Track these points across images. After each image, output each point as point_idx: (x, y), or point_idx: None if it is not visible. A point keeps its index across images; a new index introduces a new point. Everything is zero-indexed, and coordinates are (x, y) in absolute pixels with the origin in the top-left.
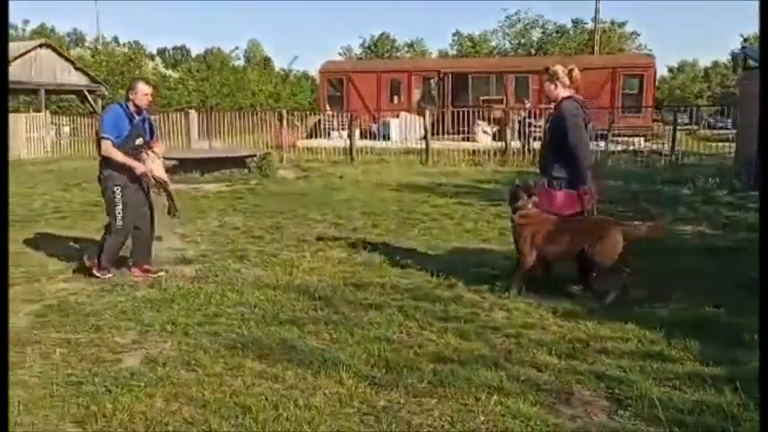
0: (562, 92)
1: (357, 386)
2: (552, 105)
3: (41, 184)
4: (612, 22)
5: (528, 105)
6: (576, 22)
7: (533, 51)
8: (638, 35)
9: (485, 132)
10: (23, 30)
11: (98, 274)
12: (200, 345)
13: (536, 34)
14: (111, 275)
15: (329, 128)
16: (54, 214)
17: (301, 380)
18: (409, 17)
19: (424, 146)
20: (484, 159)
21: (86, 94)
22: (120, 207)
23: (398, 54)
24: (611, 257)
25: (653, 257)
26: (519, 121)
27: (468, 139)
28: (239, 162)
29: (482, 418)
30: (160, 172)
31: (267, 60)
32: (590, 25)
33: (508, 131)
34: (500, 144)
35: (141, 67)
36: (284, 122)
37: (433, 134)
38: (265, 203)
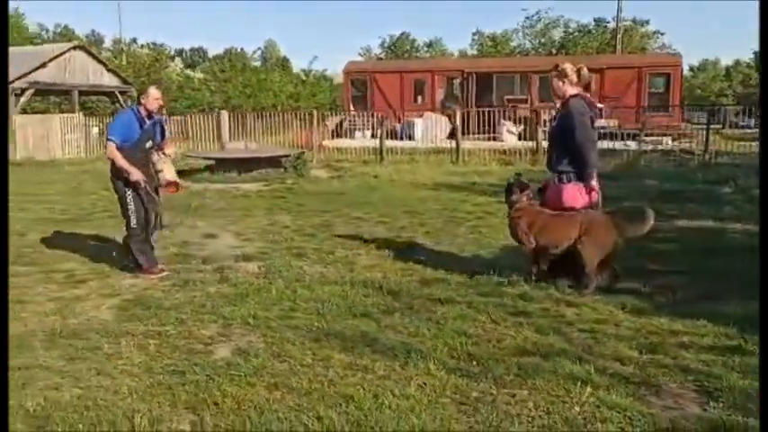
0: (570, 90)
1: (447, 377)
2: (560, 103)
3: (84, 183)
4: (635, 21)
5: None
6: (598, 22)
7: (554, 51)
8: (662, 34)
9: (510, 132)
10: (52, 32)
11: (153, 276)
12: (285, 338)
13: (557, 33)
14: (163, 270)
15: (353, 128)
16: (103, 213)
17: (391, 371)
18: (428, 17)
19: (451, 145)
20: (515, 159)
21: (118, 95)
22: (133, 207)
23: (418, 54)
24: (603, 250)
25: (710, 256)
26: (550, 121)
27: (493, 139)
28: (275, 162)
29: (577, 409)
30: (171, 174)
31: (285, 61)
32: (612, 24)
33: (539, 131)
34: (531, 143)
35: (166, 68)
36: (315, 123)
37: (463, 134)
38: (308, 202)
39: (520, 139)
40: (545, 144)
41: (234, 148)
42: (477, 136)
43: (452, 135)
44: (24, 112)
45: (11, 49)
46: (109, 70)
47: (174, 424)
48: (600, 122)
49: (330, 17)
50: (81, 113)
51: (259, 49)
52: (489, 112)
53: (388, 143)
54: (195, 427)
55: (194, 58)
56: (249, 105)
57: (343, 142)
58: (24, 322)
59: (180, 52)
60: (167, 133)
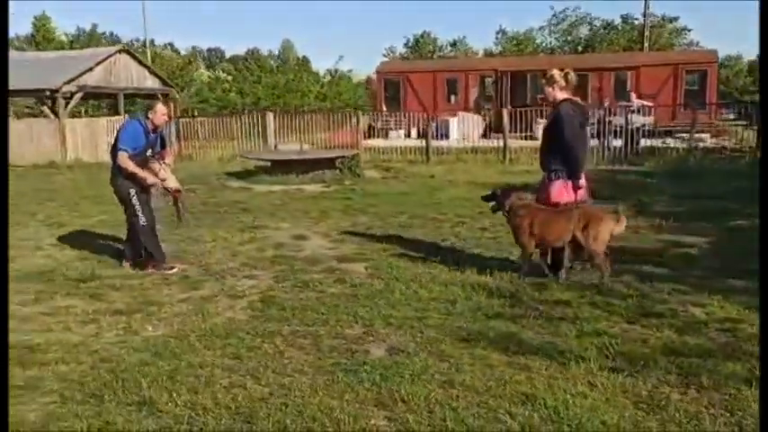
0: (559, 94)
1: (610, 376)
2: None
3: None
4: (663, 18)
5: (606, 103)
6: (624, 18)
7: (580, 49)
8: (690, 31)
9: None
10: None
11: (168, 272)
12: (432, 337)
13: (583, 31)
14: (177, 267)
15: (387, 128)
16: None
17: (554, 370)
18: (450, 16)
19: (497, 144)
20: None
21: (160, 97)
22: (139, 207)
23: (442, 53)
24: (603, 242)
25: None
26: (598, 119)
27: (528, 138)
28: (329, 163)
29: (755, 406)
30: (172, 181)
31: (305, 60)
32: (640, 21)
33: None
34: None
35: (197, 70)
36: (358, 123)
37: (490, 133)
38: (378, 204)
39: None
40: (594, 142)
41: (287, 149)
42: (512, 135)
43: (486, 134)
44: (73, 115)
45: (58, 53)
46: (151, 72)
47: (371, 420)
48: (638, 120)
49: (347, 17)
50: (126, 116)
51: (282, 51)
52: (524, 111)
53: (414, 143)
54: (391, 423)
55: (212, 58)
56: (278, 106)
57: (382, 142)
58: (169, 322)
59: (197, 53)
60: (168, 143)
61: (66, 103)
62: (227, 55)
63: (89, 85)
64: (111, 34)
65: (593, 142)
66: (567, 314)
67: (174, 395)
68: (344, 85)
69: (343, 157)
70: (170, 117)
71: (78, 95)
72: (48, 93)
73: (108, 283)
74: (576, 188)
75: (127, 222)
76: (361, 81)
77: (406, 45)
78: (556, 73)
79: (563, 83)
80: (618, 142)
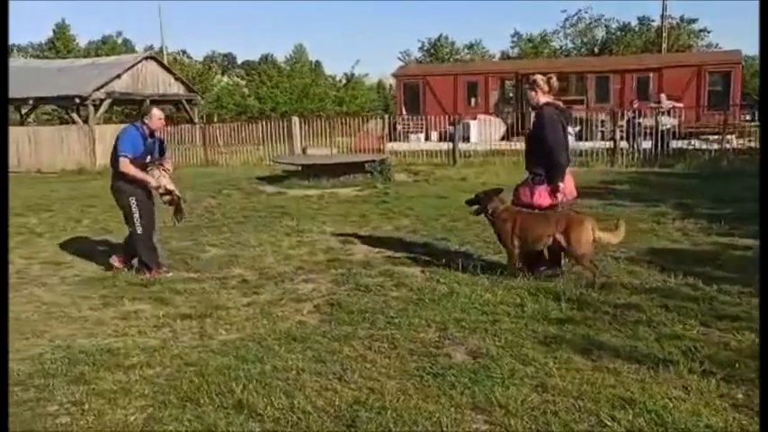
0: (542, 98)
1: (701, 380)
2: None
3: (192, 190)
4: (682, 19)
5: (636, 105)
6: (641, 20)
7: (596, 50)
8: (709, 32)
9: (568, 133)
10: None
11: (157, 276)
12: (511, 341)
13: (599, 33)
14: (164, 270)
15: (407, 131)
16: (229, 219)
17: (642, 374)
18: (465, 19)
19: (518, 147)
20: (591, 160)
21: (185, 102)
22: (138, 215)
23: (458, 56)
24: (585, 246)
25: None
26: (627, 121)
27: None
28: (360, 167)
29: None
30: (170, 186)
31: (317, 65)
32: (657, 23)
33: (617, 131)
34: (608, 144)
35: (216, 75)
36: (385, 127)
37: (511, 136)
38: (415, 206)
39: (577, 139)
40: (623, 144)
41: (317, 153)
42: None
43: (506, 137)
44: (103, 122)
45: (86, 60)
46: (176, 79)
47: (473, 425)
48: (667, 121)
49: (360, 21)
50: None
51: (285, 57)
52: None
53: (444, 145)
54: (495, 427)
55: (224, 64)
56: (295, 111)
57: (405, 145)
58: (241, 326)
59: (210, 59)
60: (167, 150)
61: (96, 110)
62: (239, 60)
63: (117, 92)
64: (125, 42)
65: (623, 144)
66: (641, 318)
67: (270, 398)
68: (359, 89)
69: (373, 161)
70: (166, 123)
71: (107, 102)
72: (78, 99)
73: (170, 288)
74: (555, 191)
75: (128, 228)
76: (373, 85)
77: (421, 49)
78: (539, 78)
79: (546, 87)
80: (647, 144)
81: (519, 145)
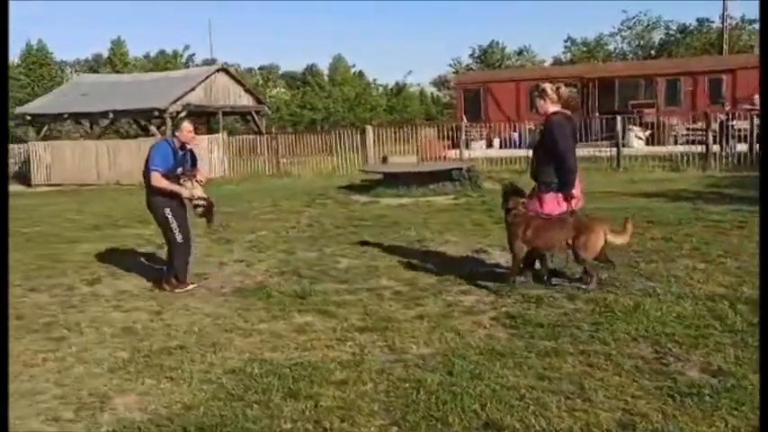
0: (551, 107)
1: None
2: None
3: (284, 200)
4: (743, 19)
5: (727, 107)
6: (701, 21)
7: (654, 53)
8: None
9: (638, 137)
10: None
11: (181, 290)
12: (742, 356)
13: (657, 35)
14: (193, 285)
15: (469, 138)
16: (339, 228)
17: None
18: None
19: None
20: (682, 164)
21: (254, 114)
22: (176, 224)
23: (509, 63)
24: (593, 251)
25: None
26: (720, 124)
27: (622, 145)
28: (446, 175)
29: None
30: (204, 196)
31: (361, 74)
32: (716, 24)
33: (710, 134)
34: (699, 148)
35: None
36: (464, 134)
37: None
38: None
39: (647, 143)
40: (715, 148)
41: (398, 162)
42: (601, 143)
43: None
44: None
45: (159, 74)
46: (246, 90)
47: None
48: (737, 124)
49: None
50: (225, 133)
51: (354, 65)
52: (613, 118)
53: (506, 152)
54: None
55: (267, 75)
56: (348, 120)
57: (479, 153)
58: (426, 340)
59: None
60: (199, 161)
61: (173, 122)
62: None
63: (192, 104)
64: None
65: (715, 148)
66: None
67: (522, 419)
68: (411, 97)
69: (460, 169)
70: (196, 134)
71: (183, 114)
72: (156, 112)
73: (325, 299)
74: (566, 199)
75: (166, 241)
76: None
77: (471, 56)
78: (548, 87)
79: (555, 97)
80: (742, 147)
81: (586, 151)
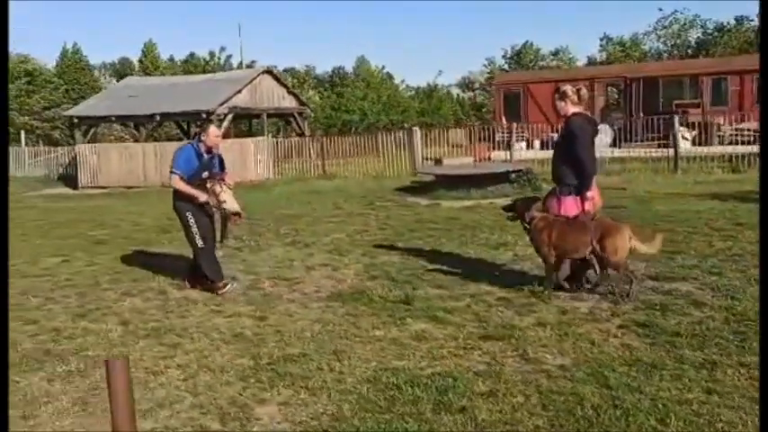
0: (571, 109)
1: None
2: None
3: (343, 203)
4: None
5: None
6: (739, 20)
7: (690, 52)
8: None
9: (684, 138)
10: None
11: (220, 292)
12: None
13: (694, 34)
14: (233, 285)
15: (508, 140)
16: (414, 232)
17: None
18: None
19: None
20: (742, 165)
21: (296, 116)
22: (196, 228)
23: (544, 63)
24: (623, 254)
25: None
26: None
27: (664, 146)
28: (503, 177)
29: None
30: (232, 202)
31: (389, 76)
32: (755, 22)
33: None
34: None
35: (310, 89)
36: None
37: (623, 142)
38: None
39: (694, 144)
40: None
41: (456, 163)
42: (647, 143)
43: (615, 143)
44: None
45: (203, 76)
46: (289, 92)
47: None
48: None
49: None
50: (270, 136)
51: (384, 66)
52: (657, 118)
53: (547, 154)
54: None
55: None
56: (381, 121)
57: (522, 154)
58: (561, 349)
59: (288, 70)
60: (227, 165)
61: (220, 124)
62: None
63: (239, 107)
64: (212, 57)
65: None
66: None
67: None
68: (442, 99)
69: (518, 170)
70: (221, 140)
71: (230, 117)
72: (204, 114)
73: (431, 305)
74: (583, 201)
75: (190, 245)
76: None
77: (504, 56)
78: (569, 89)
79: (575, 98)
80: None
81: (632, 152)
